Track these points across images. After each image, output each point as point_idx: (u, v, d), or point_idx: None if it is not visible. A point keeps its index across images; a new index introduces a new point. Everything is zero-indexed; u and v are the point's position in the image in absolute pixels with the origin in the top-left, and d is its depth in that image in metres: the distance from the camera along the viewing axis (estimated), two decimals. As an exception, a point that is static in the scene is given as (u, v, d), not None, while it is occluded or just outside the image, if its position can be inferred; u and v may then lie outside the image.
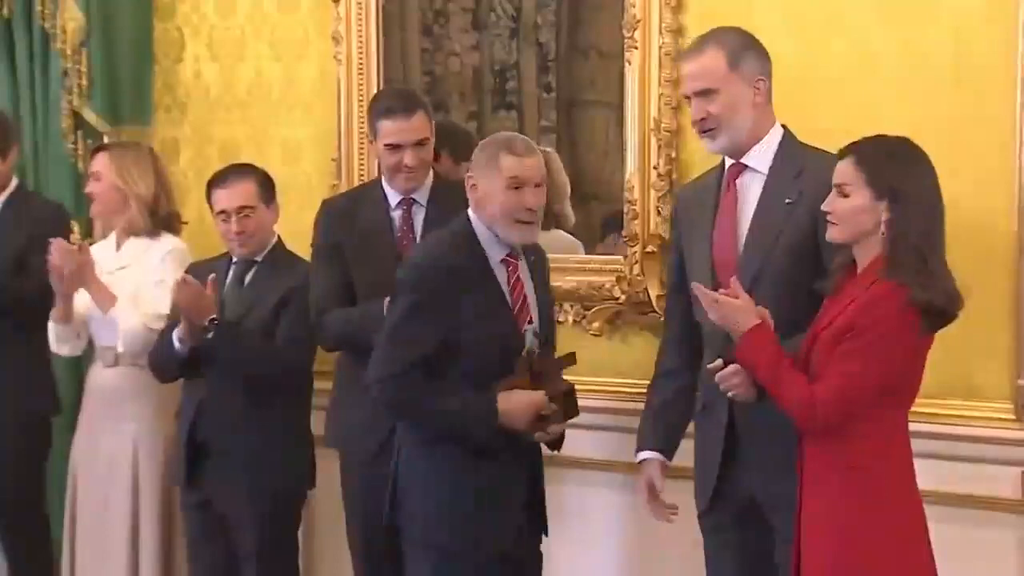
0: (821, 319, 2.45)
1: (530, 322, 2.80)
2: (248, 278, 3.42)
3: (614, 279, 3.39)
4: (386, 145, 3.19)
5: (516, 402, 2.73)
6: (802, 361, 2.44)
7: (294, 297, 3.34)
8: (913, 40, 3.06)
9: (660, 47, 3.35)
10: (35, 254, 3.56)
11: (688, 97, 2.73)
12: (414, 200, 3.26)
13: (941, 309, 2.35)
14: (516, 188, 2.77)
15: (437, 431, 2.79)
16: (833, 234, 2.43)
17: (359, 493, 3.26)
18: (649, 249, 3.33)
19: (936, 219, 2.40)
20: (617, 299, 3.39)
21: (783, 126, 2.72)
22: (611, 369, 3.39)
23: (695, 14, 3.32)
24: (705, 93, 2.65)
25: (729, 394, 2.54)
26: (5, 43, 4.22)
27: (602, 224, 3.60)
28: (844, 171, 2.42)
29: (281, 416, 3.38)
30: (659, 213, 3.33)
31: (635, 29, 3.37)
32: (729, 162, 2.72)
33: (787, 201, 2.60)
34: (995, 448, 2.91)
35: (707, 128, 2.67)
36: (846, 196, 2.41)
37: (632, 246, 3.36)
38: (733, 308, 2.45)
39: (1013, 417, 2.90)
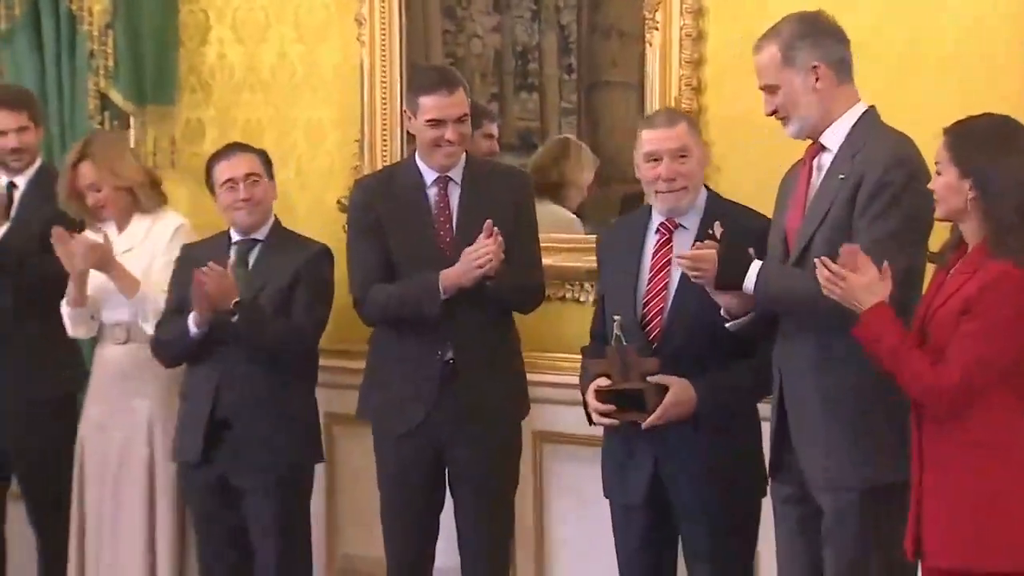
0: (936, 294, 2.47)
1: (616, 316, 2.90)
2: (253, 257, 3.44)
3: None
4: (428, 120, 3.22)
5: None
6: (915, 332, 2.45)
7: (304, 274, 3.38)
8: (920, 31, 3.08)
9: (681, 28, 3.36)
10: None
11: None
12: (449, 178, 3.29)
13: None
14: (654, 160, 2.90)
15: None
16: (937, 212, 2.46)
17: (401, 469, 3.30)
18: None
19: None
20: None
21: (870, 107, 2.73)
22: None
23: (717, -5, 3.38)
24: (768, 88, 2.73)
25: (692, 275, 2.71)
26: (32, 25, 4.24)
27: (621, 203, 3.61)
28: (938, 150, 2.44)
29: (294, 392, 3.42)
30: (679, 193, 3.35)
31: (656, 10, 3.39)
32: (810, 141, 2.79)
33: (840, 177, 2.64)
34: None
35: (780, 117, 2.74)
36: (940, 174, 2.44)
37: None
38: (858, 285, 2.45)
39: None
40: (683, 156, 2.89)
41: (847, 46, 2.71)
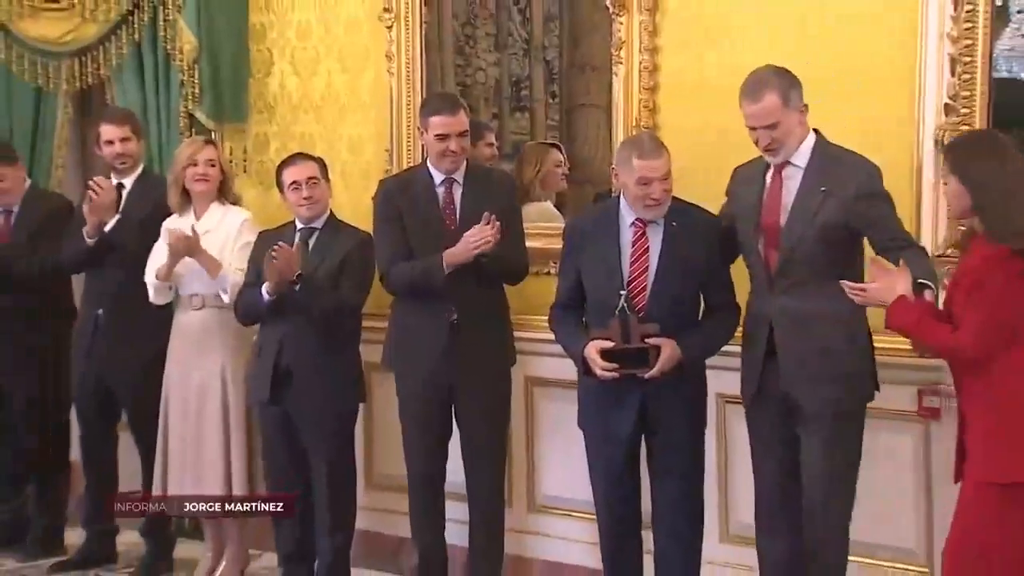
0: (956, 276, 2.73)
1: (622, 290, 3.19)
2: (312, 241, 3.72)
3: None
4: (436, 135, 3.51)
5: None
6: (945, 309, 2.72)
7: (352, 256, 3.70)
8: (837, 53, 3.38)
9: (640, 63, 3.71)
10: (155, 222, 3.98)
11: (753, 128, 3.05)
12: (454, 180, 3.61)
13: None
14: (645, 184, 3.15)
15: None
16: (951, 212, 2.71)
17: (418, 406, 3.61)
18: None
19: (1021, 190, 2.59)
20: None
21: (815, 130, 3.07)
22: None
23: (668, 37, 3.72)
24: (770, 127, 3.02)
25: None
26: (136, 62, 4.61)
27: (594, 201, 3.93)
28: (941, 165, 2.70)
29: (343, 347, 3.73)
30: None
31: (621, 49, 3.73)
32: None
33: (822, 189, 3.00)
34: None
35: (770, 149, 3.05)
36: (946, 184, 2.68)
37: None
38: (876, 291, 2.76)
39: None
40: (666, 178, 3.19)
41: None
